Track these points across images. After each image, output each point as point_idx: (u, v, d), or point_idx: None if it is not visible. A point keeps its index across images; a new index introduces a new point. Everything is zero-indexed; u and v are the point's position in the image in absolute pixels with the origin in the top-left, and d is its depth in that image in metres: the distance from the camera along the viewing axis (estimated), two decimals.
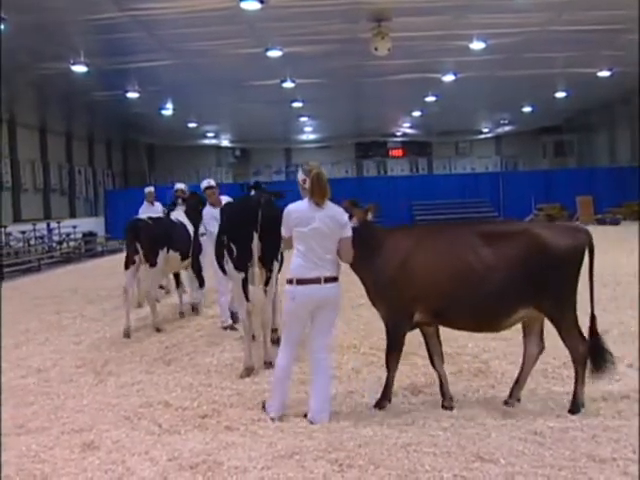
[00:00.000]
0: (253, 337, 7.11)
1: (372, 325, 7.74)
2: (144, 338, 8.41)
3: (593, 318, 5.17)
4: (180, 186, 11.35)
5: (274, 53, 17.54)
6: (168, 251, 9.17)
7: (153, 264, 8.93)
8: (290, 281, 5.06)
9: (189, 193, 10.93)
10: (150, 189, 12.77)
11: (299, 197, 5.17)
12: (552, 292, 4.97)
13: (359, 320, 8.69)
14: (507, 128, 35.21)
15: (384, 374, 5.40)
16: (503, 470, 4.03)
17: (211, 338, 8.23)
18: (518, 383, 5.29)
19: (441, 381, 5.38)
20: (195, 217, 9.89)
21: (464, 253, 5.04)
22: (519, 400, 5.27)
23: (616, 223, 25.63)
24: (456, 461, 4.18)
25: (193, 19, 14.51)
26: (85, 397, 5.92)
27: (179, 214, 10.06)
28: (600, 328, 7.49)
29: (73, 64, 17.23)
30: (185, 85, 21.42)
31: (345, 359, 6.82)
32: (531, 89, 24.71)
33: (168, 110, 26.19)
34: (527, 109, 29.92)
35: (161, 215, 10.09)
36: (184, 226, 9.86)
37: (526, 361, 5.29)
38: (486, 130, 36.42)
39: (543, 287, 4.95)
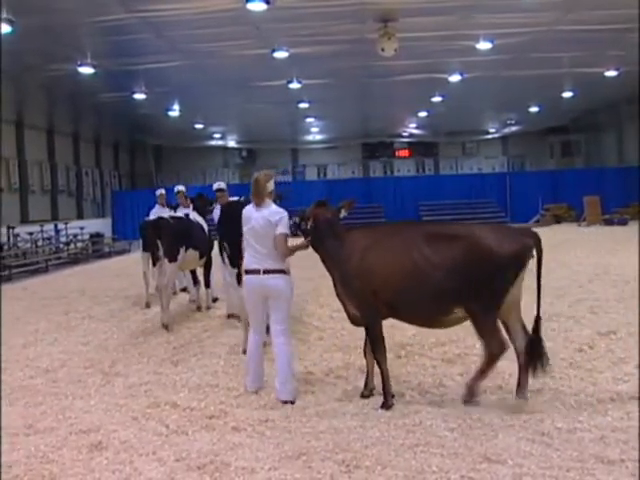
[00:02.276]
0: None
1: None
2: (151, 339, 8.43)
3: (538, 319, 5.24)
4: (180, 188, 11.46)
5: (280, 54, 17.51)
6: (187, 249, 9.47)
7: (172, 260, 9.19)
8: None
9: (196, 195, 11.12)
10: (161, 191, 13.04)
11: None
12: (483, 293, 5.09)
13: None
14: (514, 128, 35.03)
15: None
16: (511, 471, 4.03)
17: (218, 339, 8.26)
18: (520, 384, 5.26)
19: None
20: (203, 217, 10.25)
21: (412, 252, 5.25)
22: (526, 399, 5.23)
23: (624, 223, 25.49)
24: (463, 462, 4.18)
25: (199, 20, 14.52)
26: (93, 398, 5.94)
27: (195, 214, 10.36)
28: (608, 329, 7.60)
29: (80, 65, 17.26)
30: (192, 86, 21.43)
31: (352, 359, 6.82)
32: (538, 89, 24.60)
33: (175, 111, 26.19)
34: (534, 109, 29.77)
35: (182, 215, 10.23)
36: (201, 226, 10.20)
37: (519, 357, 5.27)
38: (493, 130, 36.27)
39: (476, 289, 5.08)
